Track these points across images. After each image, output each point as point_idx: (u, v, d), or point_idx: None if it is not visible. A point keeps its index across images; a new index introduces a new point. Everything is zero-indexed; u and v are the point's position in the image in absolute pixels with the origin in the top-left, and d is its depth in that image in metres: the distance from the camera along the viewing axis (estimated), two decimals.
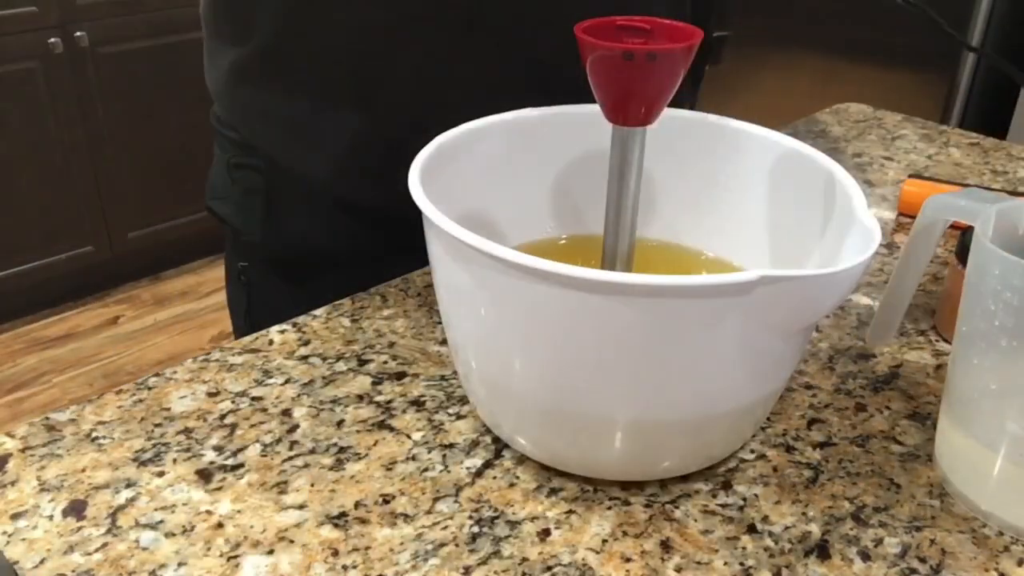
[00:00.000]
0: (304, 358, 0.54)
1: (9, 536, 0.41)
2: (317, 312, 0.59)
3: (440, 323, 0.57)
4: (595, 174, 0.50)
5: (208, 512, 0.43)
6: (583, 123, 0.51)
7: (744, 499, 0.45)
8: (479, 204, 0.52)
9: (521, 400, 0.44)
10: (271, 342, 0.56)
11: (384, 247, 0.65)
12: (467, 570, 0.40)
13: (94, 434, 0.48)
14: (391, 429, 0.49)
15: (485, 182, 0.53)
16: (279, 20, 0.62)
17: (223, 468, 0.46)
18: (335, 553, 0.41)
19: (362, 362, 0.54)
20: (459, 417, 0.50)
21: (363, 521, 0.43)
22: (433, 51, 0.62)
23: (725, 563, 0.41)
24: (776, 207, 0.51)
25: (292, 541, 0.42)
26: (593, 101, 0.44)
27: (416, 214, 0.58)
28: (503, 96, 0.54)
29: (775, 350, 0.42)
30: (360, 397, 0.51)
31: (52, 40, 2.03)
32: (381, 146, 0.63)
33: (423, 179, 0.44)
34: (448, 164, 0.48)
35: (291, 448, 0.47)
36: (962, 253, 0.56)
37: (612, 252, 0.47)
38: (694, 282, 0.36)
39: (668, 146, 0.54)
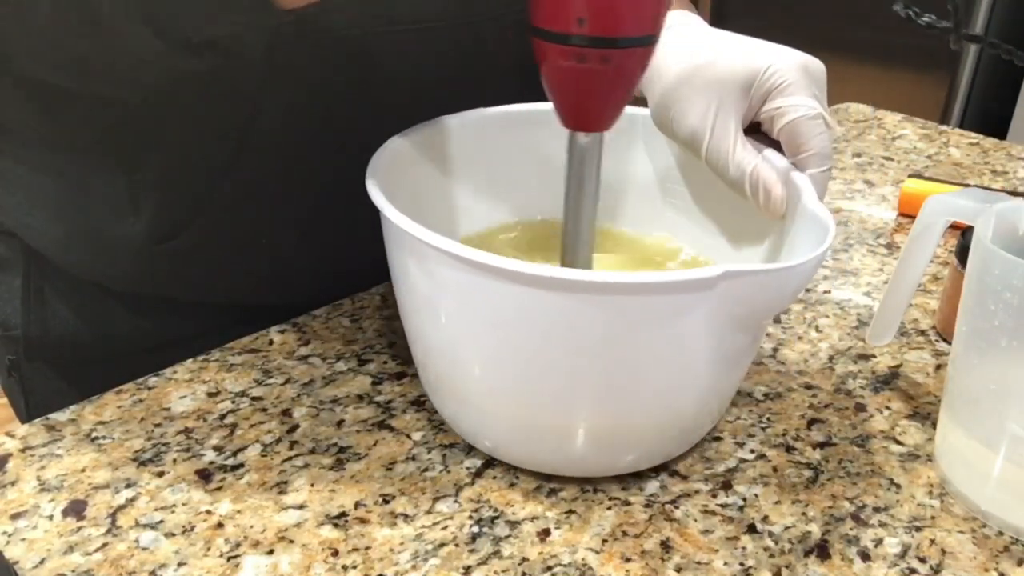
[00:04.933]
0: (304, 358, 0.54)
1: (9, 536, 0.41)
2: (317, 312, 0.59)
3: None
4: (537, 166, 0.54)
5: (208, 512, 0.43)
6: (528, 121, 0.54)
7: (744, 499, 0.45)
8: (431, 202, 0.53)
9: (485, 401, 0.44)
10: (271, 342, 0.56)
11: (152, 337, 0.60)
12: (467, 570, 0.40)
13: (94, 434, 0.48)
14: (391, 429, 0.49)
15: (436, 180, 0.53)
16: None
17: (223, 468, 0.46)
18: (335, 553, 0.41)
19: (362, 362, 0.54)
20: None
21: (363, 521, 0.43)
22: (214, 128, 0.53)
23: (725, 563, 0.41)
24: (728, 202, 0.51)
25: (292, 541, 0.42)
26: None
27: (183, 296, 0.57)
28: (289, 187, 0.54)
29: (738, 339, 0.42)
30: (360, 397, 0.51)
31: None
32: (136, 220, 0.55)
33: (379, 180, 0.44)
34: (401, 165, 0.49)
35: (291, 448, 0.47)
36: (962, 253, 0.56)
37: (572, 257, 0.45)
38: (659, 279, 0.37)
39: (623, 141, 0.55)
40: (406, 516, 0.43)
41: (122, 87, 0.46)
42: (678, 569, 0.41)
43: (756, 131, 0.48)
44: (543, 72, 0.40)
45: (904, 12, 0.50)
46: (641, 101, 0.51)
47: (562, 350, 0.39)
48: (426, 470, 0.46)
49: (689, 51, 0.46)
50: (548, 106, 0.55)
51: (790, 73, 0.45)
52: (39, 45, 0.42)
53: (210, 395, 0.51)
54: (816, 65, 0.46)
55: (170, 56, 0.40)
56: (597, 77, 0.39)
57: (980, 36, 0.49)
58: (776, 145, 0.47)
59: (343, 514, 0.43)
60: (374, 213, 0.43)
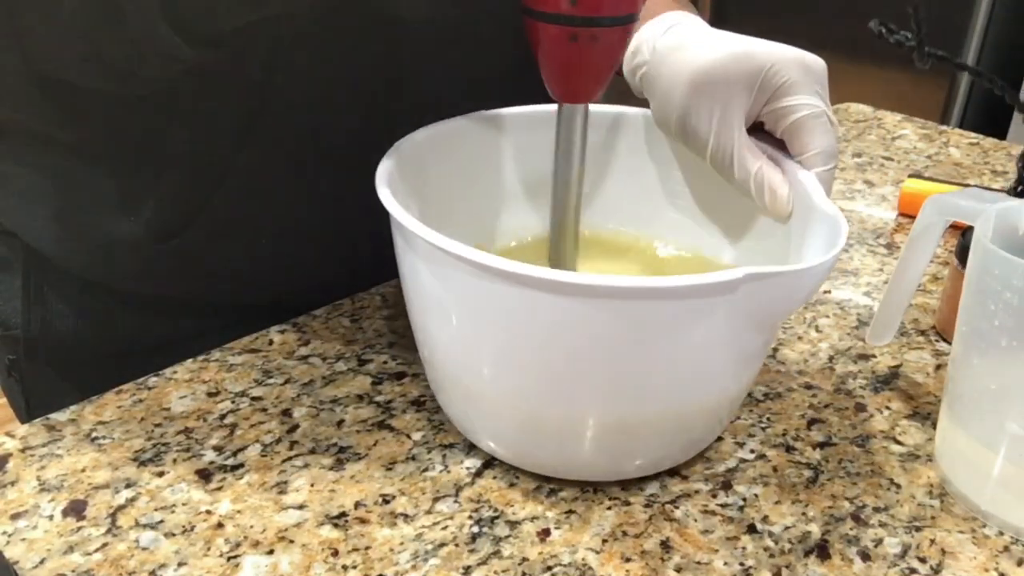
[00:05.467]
0: (304, 358, 0.54)
1: (9, 536, 0.41)
2: (317, 312, 0.59)
3: None
4: (547, 167, 0.52)
5: (208, 512, 0.43)
6: (537, 122, 0.54)
7: (744, 499, 0.45)
8: (442, 206, 0.52)
9: (496, 404, 0.43)
10: (271, 342, 0.56)
11: (153, 337, 0.60)
12: (467, 570, 0.40)
13: (94, 434, 0.48)
14: (391, 429, 0.49)
15: (448, 183, 0.53)
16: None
17: (223, 468, 0.46)
18: (335, 553, 0.41)
19: (362, 362, 0.54)
20: None
21: (363, 521, 0.43)
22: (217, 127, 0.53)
23: (725, 563, 0.41)
24: (732, 201, 0.51)
25: (292, 541, 0.42)
26: None
27: (184, 296, 0.58)
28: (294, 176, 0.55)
29: (753, 341, 0.42)
30: (360, 397, 0.51)
31: None
32: (142, 221, 0.55)
33: (389, 182, 0.44)
34: (412, 167, 0.49)
35: (291, 448, 0.47)
36: (962, 253, 0.56)
37: (559, 235, 0.49)
38: (682, 283, 0.37)
39: (624, 141, 0.55)
40: (406, 516, 0.43)
41: (142, 83, 0.46)
42: (678, 569, 0.41)
43: (760, 130, 0.48)
44: (535, 49, 0.43)
45: (877, 29, 0.50)
46: (644, 101, 0.51)
47: (578, 354, 0.39)
48: (426, 470, 0.46)
49: (690, 52, 0.46)
50: (555, 108, 0.55)
51: (791, 72, 0.45)
52: (63, 42, 0.42)
53: (210, 395, 0.51)
54: (817, 62, 0.46)
55: (194, 52, 0.40)
56: (586, 53, 0.42)
57: (945, 56, 0.49)
58: (781, 144, 0.47)
59: (343, 514, 0.43)
60: (375, 213, 0.43)
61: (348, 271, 0.61)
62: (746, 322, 0.39)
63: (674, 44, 0.48)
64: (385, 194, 0.42)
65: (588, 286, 0.36)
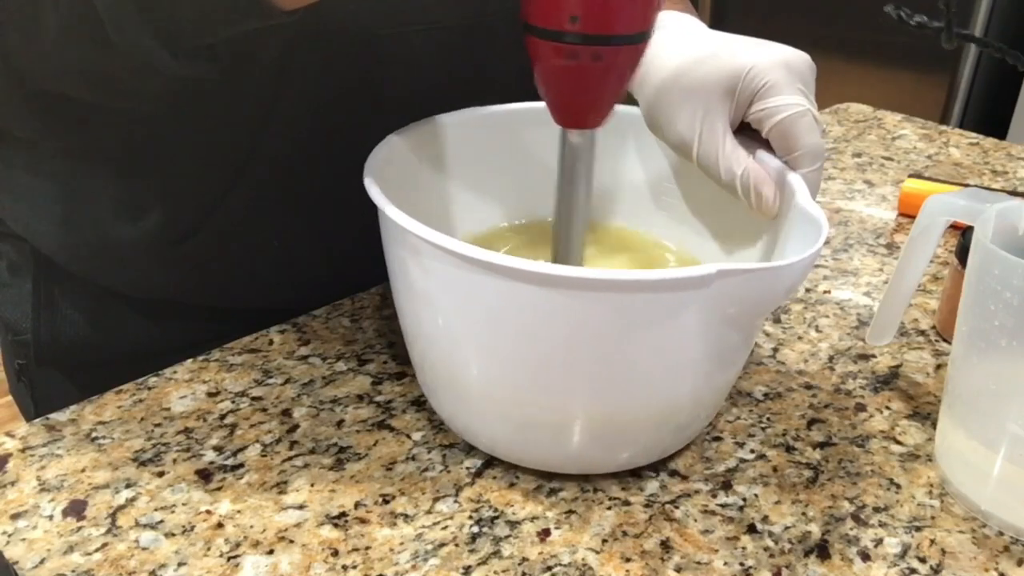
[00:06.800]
0: (304, 358, 0.54)
1: (9, 536, 0.41)
2: (317, 312, 0.59)
3: None
4: (537, 164, 0.54)
5: (208, 512, 0.43)
6: (528, 120, 0.54)
7: (744, 499, 0.45)
8: (429, 199, 0.53)
9: (484, 399, 0.44)
10: (271, 342, 0.56)
11: (162, 342, 0.59)
12: (467, 570, 0.40)
13: (94, 434, 0.48)
14: (391, 429, 0.49)
15: (434, 178, 0.53)
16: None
17: (223, 468, 0.46)
18: (335, 553, 0.41)
19: (362, 362, 0.54)
20: None
21: (363, 521, 0.43)
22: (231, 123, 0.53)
23: (725, 563, 0.41)
24: (721, 201, 0.51)
25: (292, 541, 0.42)
26: None
27: (194, 301, 0.58)
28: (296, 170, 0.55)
29: (731, 337, 0.42)
30: (360, 397, 0.51)
31: None
32: (148, 225, 0.55)
33: (376, 177, 0.44)
34: (397, 163, 0.49)
35: (291, 448, 0.47)
36: (962, 253, 0.56)
37: (563, 255, 0.46)
38: (655, 277, 0.37)
39: (612, 139, 0.55)
40: (406, 516, 0.43)
41: (136, 98, 0.46)
42: (678, 569, 0.41)
43: (749, 130, 0.48)
44: (535, 69, 0.40)
45: (895, 13, 0.50)
46: (634, 100, 0.52)
47: (558, 347, 0.40)
48: (426, 470, 0.46)
49: (675, 55, 0.46)
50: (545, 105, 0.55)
51: (772, 73, 0.44)
52: (50, 61, 0.42)
53: (210, 395, 0.51)
54: (799, 60, 0.45)
55: (180, 65, 0.40)
56: (589, 75, 0.39)
57: (973, 35, 0.49)
58: (769, 144, 0.47)
59: (343, 514, 0.43)
60: (376, 212, 0.43)
61: (349, 271, 0.61)
62: (721, 318, 0.39)
63: (657, 48, 0.48)
64: (371, 187, 0.42)
65: (562, 278, 0.37)
